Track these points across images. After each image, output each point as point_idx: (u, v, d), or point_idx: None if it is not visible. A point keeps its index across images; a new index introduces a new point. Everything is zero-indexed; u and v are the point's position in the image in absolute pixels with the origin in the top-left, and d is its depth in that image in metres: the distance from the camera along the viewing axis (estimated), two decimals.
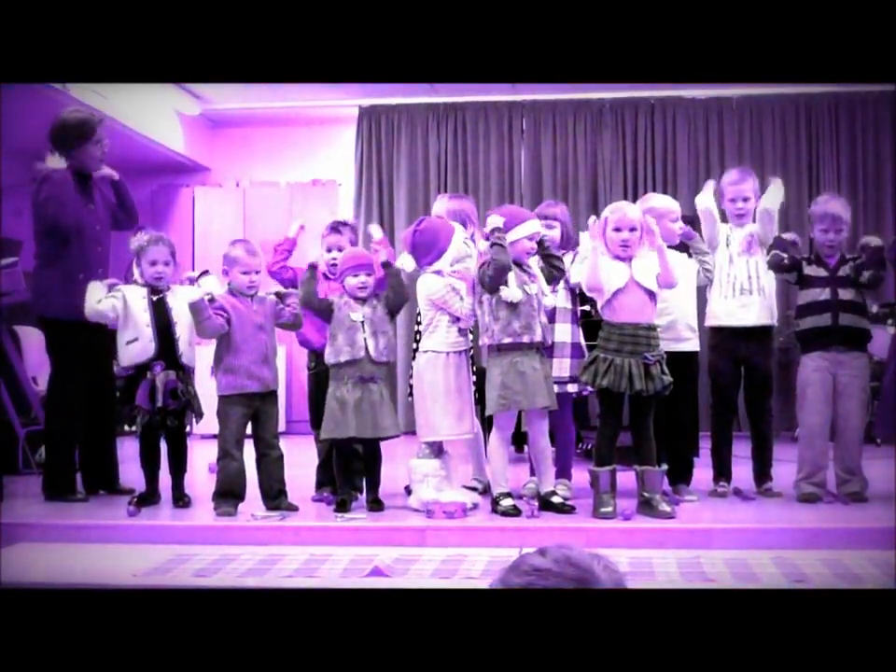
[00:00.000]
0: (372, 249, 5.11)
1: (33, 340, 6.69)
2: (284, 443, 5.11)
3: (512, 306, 4.66)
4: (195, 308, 4.75)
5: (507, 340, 4.67)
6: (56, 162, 5.18)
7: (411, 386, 5.14)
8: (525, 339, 4.67)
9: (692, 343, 5.22)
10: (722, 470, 5.28)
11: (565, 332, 5.05)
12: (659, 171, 9.01)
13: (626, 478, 4.83)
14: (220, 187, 9.58)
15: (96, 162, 5.34)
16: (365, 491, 4.98)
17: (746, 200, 5.27)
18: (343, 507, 4.80)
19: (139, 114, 7.95)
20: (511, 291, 4.63)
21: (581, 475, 5.11)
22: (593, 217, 4.88)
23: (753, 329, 5.20)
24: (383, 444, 4.98)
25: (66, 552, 4.36)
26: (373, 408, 4.78)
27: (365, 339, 4.80)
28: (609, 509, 4.64)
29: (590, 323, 5.39)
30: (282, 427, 6.24)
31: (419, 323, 5.14)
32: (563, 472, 5.16)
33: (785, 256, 5.03)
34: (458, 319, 4.90)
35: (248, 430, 4.97)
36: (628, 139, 9.06)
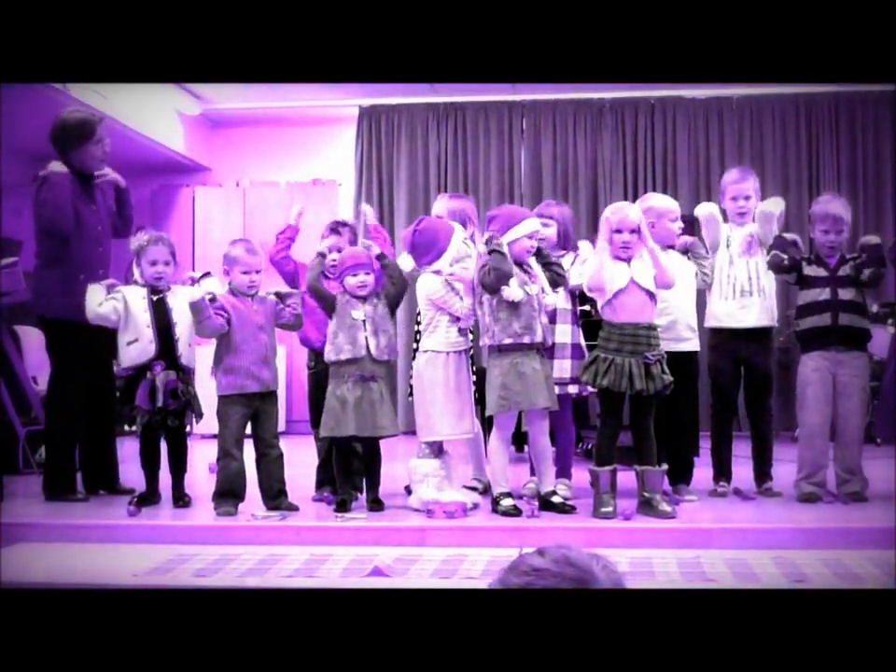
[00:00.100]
0: (369, 236, 5.13)
1: (33, 340, 6.69)
2: (284, 443, 5.11)
3: (513, 307, 4.66)
4: (196, 307, 4.75)
5: (507, 340, 4.67)
6: (60, 167, 5.18)
7: (411, 386, 5.14)
8: (526, 339, 4.67)
9: (692, 343, 5.23)
10: (722, 470, 5.28)
11: (565, 333, 5.05)
12: (659, 171, 9.01)
13: (626, 478, 4.83)
14: (220, 186, 9.58)
15: (97, 162, 5.34)
16: (365, 491, 4.98)
17: (747, 198, 5.27)
18: (343, 507, 4.80)
19: (139, 114, 7.95)
20: (512, 290, 4.63)
21: (581, 475, 5.11)
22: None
23: (753, 330, 5.20)
24: (382, 444, 4.98)
25: (66, 552, 4.36)
26: (373, 407, 4.78)
27: (366, 337, 4.80)
28: (610, 508, 4.64)
29: (590, 323, 5.39)
30: (282, 426, 6.25)
31: (419, 323, 5.14)
32: (563, 472, 5.16)
33: (785, 256, 5.03)
34: (458, 319, 4.91)
35: (248, 430, 4.97)
36: (628, 139, 9.06)
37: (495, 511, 4.76)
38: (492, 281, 4.61)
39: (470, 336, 5.06)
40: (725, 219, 5.33)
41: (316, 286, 4.84)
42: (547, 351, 4.85)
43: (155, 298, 5.03)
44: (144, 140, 8.26)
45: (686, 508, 4.91)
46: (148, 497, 5.09)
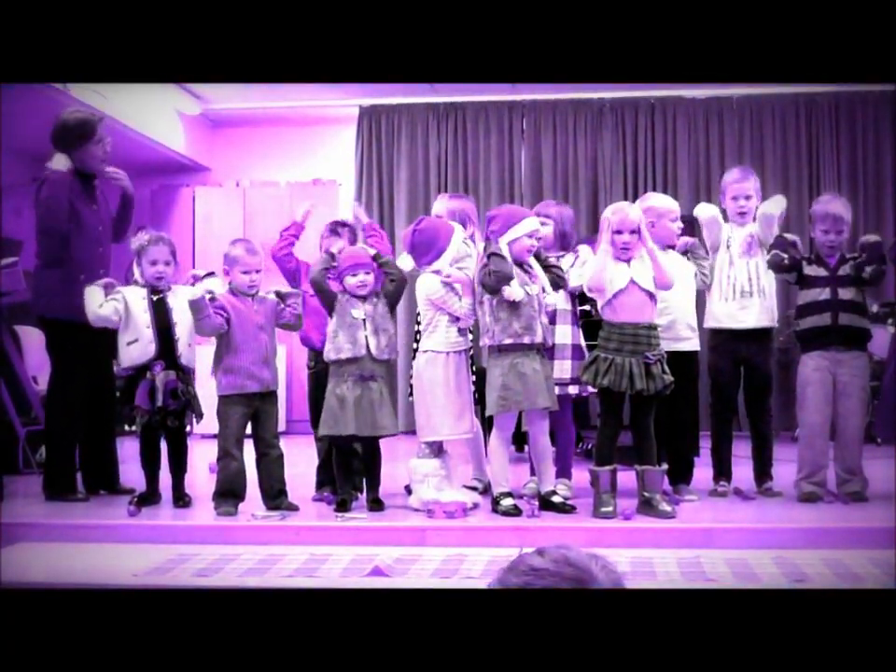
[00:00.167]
0: (366, 234, 5.13)
1: (33, 340, 6.69)
2: (284, 443, 5.11)
3: (513, 307, 4.66)
4: (196, 306, 4.75)
5: (508, 340, 4.67)
6: (61, 162, 5.17)
7: (411, 386, 5.14)
8: (526, 339, 4.67)
9: (692, 343, 5.23)
10: (723, 470, 5.28)
11: (565, 334, 5.05)
12: (659, 170, 9.01)
13: (627, 477, 4.83)
14: (220, 186, 9.58)
15: (98, 162, 5.34)
16: (365, 491, 4.98)
17: (748, 198, 5.27)
18: (343, 506, 4.80)
19: (139, 114, 7.95)
20: (513, 290, 4.63)
21: (581, 475, 5.11)
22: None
23: (753, 331, 5.20)
24: (382, 444, 4.98)
25: (67, 551, 4.36)
26: (372, 406, 4.78)
27: (366, 336, 4.80)
28: (610, 508, 4.64)
29: (590, 323, 5.39)
30: (282, 426, 6.25)
31: (419, 323, 5.14)
32: (563, 472, 5.16)
33: (785, 256, 5.04)
34: (458, 319, 4.91)
35: (248, 430, 4.97)
36: (628, 139, 9.06)
37: (495, 510, 4.76)
38: (493, 282, 4.62)
39: (470, 336, 5.06)
40: (725, 219, 5.33)
41: (320, 280, 4.84)
42: (547, 352, 4.85)
43: (155, 298, 5.04)
44: (144, 140, 8.26)
45: (686, 508, 4.91)
46: (149, 497, 5.09)
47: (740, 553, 4.21)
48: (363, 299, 4.85)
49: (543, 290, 4.80)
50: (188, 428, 5.26)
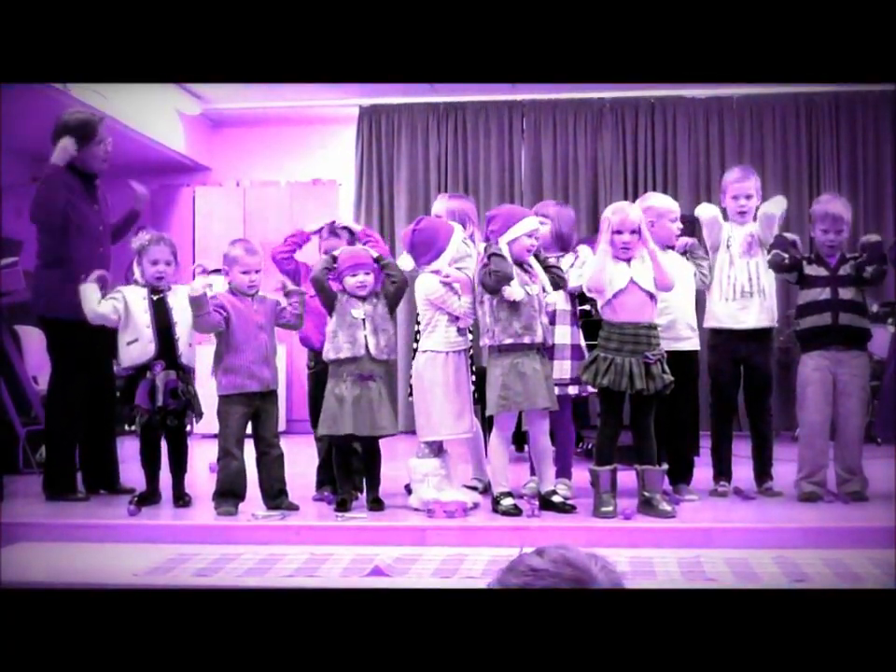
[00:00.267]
0: (361, 241, 5.13)
1: (33, 339, 6.70)
2: (284, 443, 5.11)
3: (513, 307, 4.66)
4: (197, 302, 4.74)
5: (508, 340, 4.67)
6: (60, 155, 5.14)
7: (411, 386, 5.14)
8: (526, 339, 4.67)
9: (692, 343, 5.23)
10: (723, 470, 5.28)
11: (564, 334, 5.05)
12: (659, 170, 9.01)
13: (627, 477, 4.83)
14: (221, 186, 9.57)
15: (99, 162, 5.35)
16: (365, 490, 4.98)
17: (748, 198, 5.27)
18: (343, 506, 4.80)
19: (140, 114, 7.95)
20: (513, 290, 4.63)
21: (581, 474, 5.11)
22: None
23: (753, 331, 5.20)
24: (382, 443, 4.98)
25: (67, 551, 4.36)
26: (371, 406, 4.78)
27: (366, 336, 4.80)
28: (610, 508, 4.64)
29: (590, 322, 5.39)
30: (282, 426, 6.24)
31: (419, 323, 5.14)
32: (563, 472, 5.16)
33: (786, 256, 5.04)
34: (457, 319, 4.91)
35: (249, 430, 4.97)
36: (628, 138, 9.06)
37: (495, 510, 4.76)
38: (493, 282, 4.62)
39: (470, 336, 5.06)
40: (725, 218, 5.33)
41: (321, 280, 4.84)
42: (547, 352, 4.85)
43: (155, 298, 5.04)
44: (144, 140, 8.25)
45: (686, 507, 4.91)
46: (149, 497, 5.09)
47: (740, 552, 4.21)
48: (363, 299, 4.85)
49: (543, 290, 4.80)
50: (188, 428, 5.26)
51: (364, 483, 5.00)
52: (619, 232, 4.70)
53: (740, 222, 5.27)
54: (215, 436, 5.05)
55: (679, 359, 4.98)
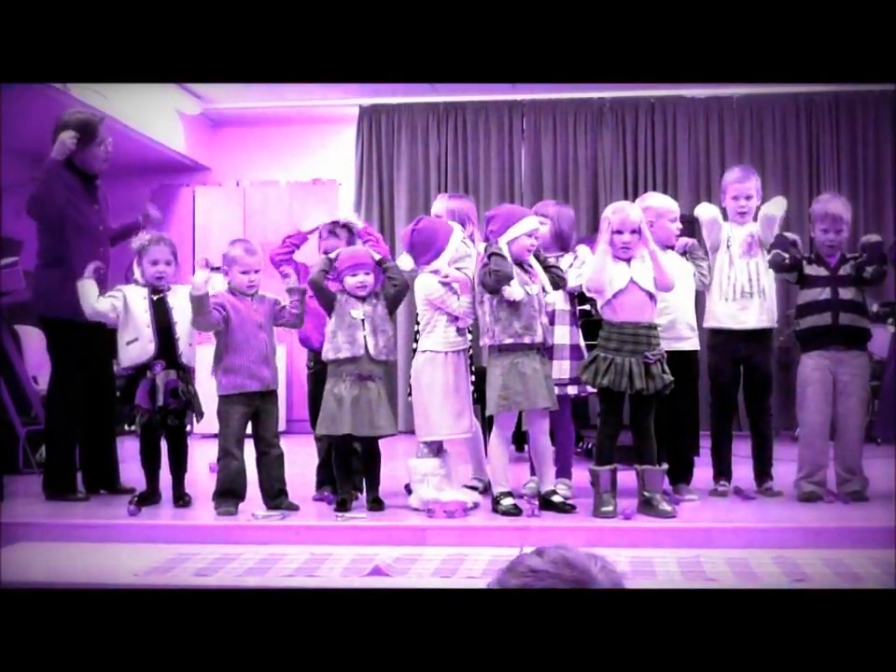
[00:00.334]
0: (362, 239, 5.13)
1: (33, 339, 6.70)
2: (284, 443, 5.11)
3: (514, 307, 4.66)
4: (199, 301, 4.73)
5: (508, 340, 4.67)
6: (59, 149, 5.13)
7: (411, 386, 5.14)
8: (527, 339, 4.67)
9: (692, 343, 5.23)
10: (723, 470, 5.28)
11: (563, 334, 5.05)
12: (659, 170, 9.01)
13: (627, 477, 4.83)
14: (221, 186, 9.58)
15: (100, 163, 5.35)
16: (365, 490, 4.98)
17: (748, 198, 5.27)
18: (343, 506, 4.80)
19: (140, 113, 7.95)
20: (513, 290, 4.63)
21: (581, 474, 5.11)
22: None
23: (753, 331, 5.20)
24: (382, 443, 4.98)
25: (67, 551, 4.36)
26: (370, 406, 4.78)
27: (365, 336, 4.80)
28: (610, 508, 4.64)
29: (590, 322, 5.39)
30: (282, 426, 6.24)
31: (419, 323, 5.14)
32: (563, 471, 5.16)
33: (786, 255, 5.04)
34: (456, 319, 4.91)
35: (249, 430, 4.97)
36: (628, 138, 9.06)
37: (495, 510, 4.76)
38: (493, 282, 4.62)
39: (469, 336, 5.06)
40: (725, 218, 5.33)
41: (318, 282, 4.84)
42: (546, 352, 4.85)
43: (155, 298, 5.03)
44: (144, 140, 8.25)
45: (686, 507, 4.91)
46: (149, 497, 5.09)
47: (740, 552, 4.21)
48: (362, 299, 4.85)
49: (543, 290, 4.80)
50: (188, 428, 5.26)
51: (364, 483, 5.00)
52: (619, 232, 4.70)
53: (740, 222, 5.27)
54: (215, 436, 5.05)
55: (679, 359, 4.97)
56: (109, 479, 5.46)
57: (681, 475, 5.18)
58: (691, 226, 5.92)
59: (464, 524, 4.62)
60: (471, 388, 5.08)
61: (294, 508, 4.88)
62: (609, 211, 4.82)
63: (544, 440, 4.85)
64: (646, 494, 4.70)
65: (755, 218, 5.25)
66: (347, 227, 5.29)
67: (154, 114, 8.37)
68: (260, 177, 9.53)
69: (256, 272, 4.94)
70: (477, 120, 9.21)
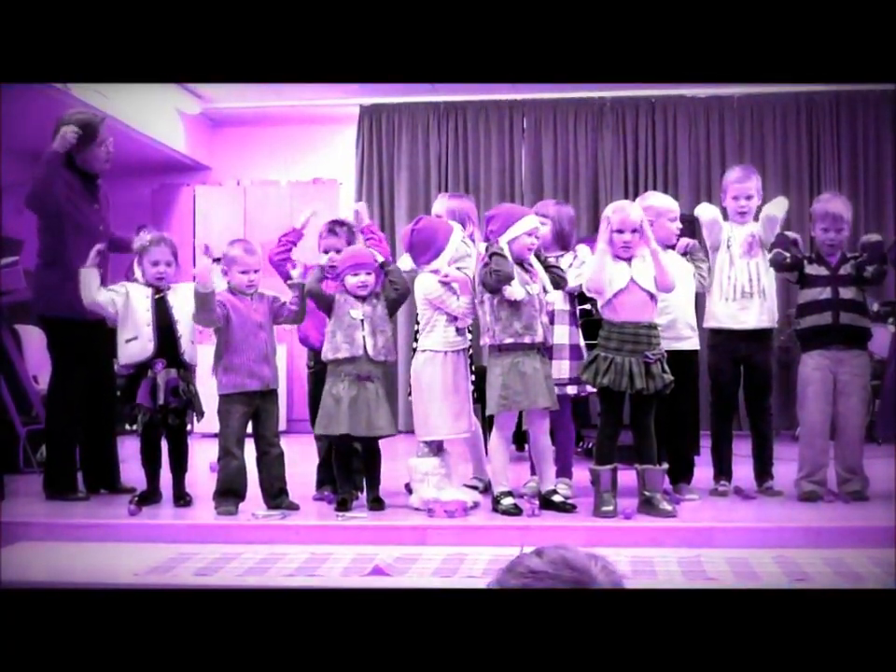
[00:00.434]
0: (364, 237, 5.13)
1: (34, 339, 6.70)
2: (284, 442, 5.11)
3: (514, 306, 4.66)
4: (206, 298, 4.73)
5: (508, 340, 4.67)
6: (59, 141, 5.13)
7: (411, 386, 5.14)
8: (527, 339, 4.67)
9: (692, 342, 5.23)
10: (723, 469, 5.28)
11: (563, 334, 5.05)
12: (660, 169, 9.01)
13: (627, 477, 4.83)
14: (221, 186, 9.58)
15: (101, 163, 5.35)
16: (365, 490, 4.98)
17: (749, 198, 5.27)
18: (343, 506, 4.80)
19: (140, 113, 7.95)
20: (514, 290, 4.63)
21: (581, 474, 5.11)
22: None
23: (753, 331, 5.20)
24: (382, 443, 4.98)
25: (67, 550, 4.36)
26: (368, 406, 4.78)
27: (364, 337, 4.80)
28: (610, 507, 4.64)
29: (590, 322, 5.39)
30: (283, 425, 6.25)
31: (419, 323, 5.14)
32: (563, 471, 5.16)
33: (787, 255, 5.04)
34: (456, 318, 4.90)
35: (249, 429, 4.97)
36: (629, 138, 9.06)
37: (495, 510, 4.76)
38: (493, 282, 4.62)
39: (469, 335, 5.06)
40: (725, 218, 5.33)
41: (316, 290, 4.85)
42: (546, 351, 4.84)
43: (157, 297, 5.03)
44: (145, 139, 8.25)
45: (687, 507, 4.91)
46: (149, 496, 5.09)
47: (741, 552, 4.21)
48: (362, 299, 4.85)
49: (544, 289, 4.80)
50: (188, 427, 5.26)
51: (364, 483, 5.00)
52: (620, 231, 4.69)
53: (740, 222, 5.27)
54: (215, 435, 5.06)
55: (679, 359, 4.98)
56: (110, 478, 5.46)
57: (682, 475, 5.18)
58: (691, 226, 5.91)
59: (464, 523, 4.62)
60: (471, 388, 5.08)
61: (294, 507, 4.89)
62: (610, 210, 4.82)
63: (544, 439, 4.85)
64: (646, 493, 4.70)
65: (756, 218, 5.25)
66: (347, 225, 5.29)
67: (154, 113, 8.37)
68: (261, 177, 9.53)
69: (255, 271, 4.94)
70: (477, 120, 9.21)
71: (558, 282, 4.86)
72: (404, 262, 5.11)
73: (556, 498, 4.79)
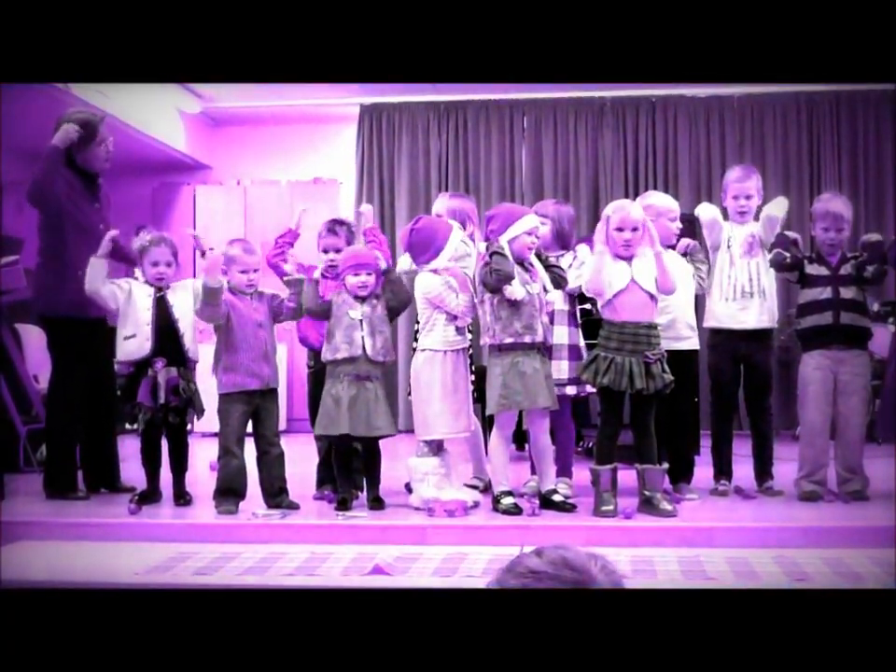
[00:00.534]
0: (366, 239, 5.13)
1: (34, 338, 6.70)
2: (285, 441, 5.12)
3: (514, 306, 4.66)
4: (215, 292, 4.73)
5: (508, 340, 4.67)
6: (61, 136, 5.12)
7: (411, 385, 5.14)
8: (527, 339, 4.68)
9: (692, 342, 5.23)
10: (723, 469, 5.28)
11: (562, 334, 5.05)
12: (660, 169, 9.01)
13: (627, 476, 4.83)
14: (221, 185, 9.58)
15: (101, 162, 5.35)
16: (366, 489, 4.98)
17: (748, 197, 5.27)
18: (343, 505, 4.80)
19: (140, 112, 7.95)
20: (514, 289, 4.63)
21: (581, 473, 5.11)
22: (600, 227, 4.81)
23: (753, 331, 5.20)
24: (382, 443, 4.98)
25: (67, 550, 4.36)
26: (368, 406, 4.78)
27: (363, 337, 4.80)
28: (611, 507, 4.64)
29: (590, 321, 5.39)
30: (283, 425, 6.25)
31: (419, 322, 5.14)
32: (563, 471, 5.16)
33: (788, 255, 5.04)
34: (455, 317, 4.90)
35: (249, 428, 4.97)
36: (629, 137, 9.06)
37: (495, 509, 4.76)
38: (494, 281, 4.62)
39: (469, 335, 5.06)
40: (726, 217, 5.33)
41: (315, 309, 4.86)
42: (545, 351, 4.84)
43: (157, 295, 5.03)
44: (145, 138, 8.25)
45: (687, 506, 4.91)
46: (149, 496, 5.09)
47: (741, 551, 4.21)
48: (361, 300, 4.85)
49: (544, 289, 4.80)
50: (188, 426, 5.26)
51: (364, 482, 5.00)
52: (620, 230, 4.69)
53: (740, 222, 5.27)
54: (215, 434, 5.06)
55: (679, 359, 4.98)
56: (110, 477, 5.46)
57: (682, 474, 5.18)
58: (691, 225, 5.91)
59: (464, 523, 4.62)
60: (471, 387, 5.08)
61: (295, 507, 4.89)
62: (610, 209, 4.82)
63: (544, 439, 4.85)
64: (646, 493, 4.70)
65: (756, 218, 5.25)
66: (347, 225, 5.30)
67: (155, 113, 8.37)
68: (261, 176, 9.53)
69: (255, 271, 4.95)
70: (478, 119, 9.21)
71: (559, 281, 4.86)
72: (403, 262, 5.10)
73: (556, 498, 4.79)
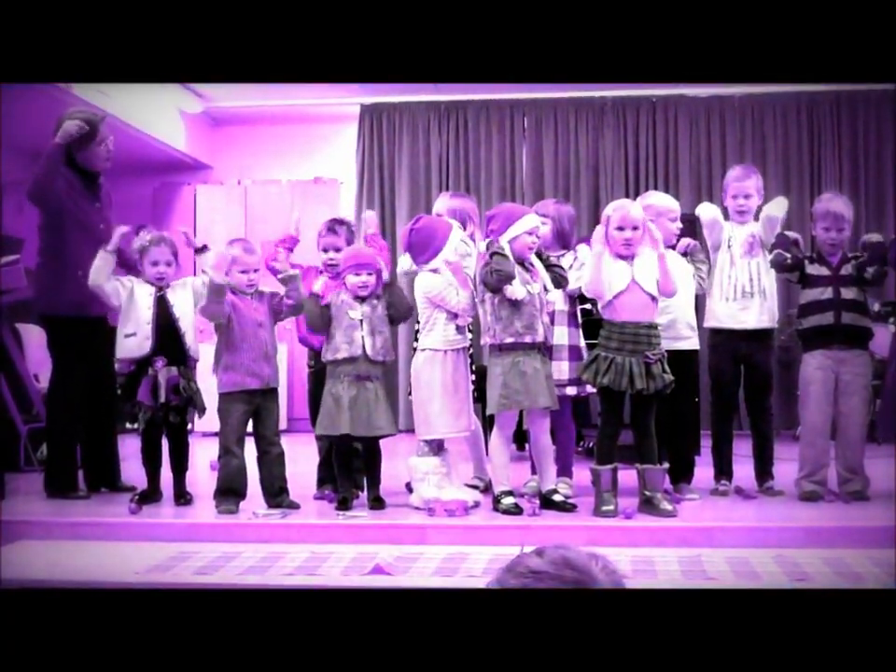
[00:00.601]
0: (367, 245, 5.13)
1: (34, 337, 6.71)
2: (285, 441, 5.12)
3: (515, 306, 4.66)
4: (220, 289, 4.73)
5: (509, 339, 4.67)
6: (67, 128, 5.12)
7: (411, 384, 5.14)
8: (528, 338, 4.68)
9: (692, 342, 5.23)
10: (724, 469, 5.28)
11: (562, 335, 5.05)
12: (661, 169, 9.02)
13: (628, 476, 4.83)
14: (222, 185, 9.58)
15: (102, 161, 5.35)
16: (366, 489, 4.98)
17: (748, 197, 5.27)
18: (344, 505, 4.81)
19: (141, 112, 7.95)
20: (515, 289, 4.63)
21: (582, 473, 5.12)
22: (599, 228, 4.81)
23: (754, 331, 5.20)
24: (383, 442, 4.98)
25: (68, 549, 4.36)
26: (368, 406, 4.78)
27: (363, 337, 4.80)
28: (611, 507, 4.64)
29: (591, 321, 5.39)
30: (283, 424, 6.25)
31: (419, 322, 5.14)
32: (564, 471, 5.16)
33: (788, 255, 5.04)
34: (455, 316, 4.90)
35: (249, 428, 4.97)
36: (630, 137, 9.07)
37: (496, 509, 4.76)
38: (494, 281, 4.62)
39: (470, 335, 5.06)
40: (727, 217, 5.33)
41: (315, 322, 4.86)
42: (546, 351, 4.84)
43: (158, 294, 5.03)
44: (146, 138, 8.26)
45: (687, 506, 4.91)
46: (150, 495, 5.09)
47: (741, 551, 4.21)
48: (361, 300, 4.85)
49: (545, 289, 4.80)
50: (189, 426, 5.27)
51: (365, 482, 5.00)
52: (620, 229, 4.69)
53: (740, 221, 5.27)
54: (215, 434, 5.06)
55: (680, 359, 4.98)
56: (110, 477, 5.46)
57: (682, 474, 5.18)
58: (691, 225, 5.91)
59: (465, 522, 4.62)
60: (472, 387, 5.08)
61: (295, 506, 4.89)
62: (610, 209, 4.82)
63: (545, 438, 4.85)
64: (647, 493, 4.70)
65: (756, 218, 5.25)
66: (347, 224, 5.30)
67: (156, 112, 8.37)
68: (262, 176, 9.53)
69: (255, 271, 4.95)
70: (478, 119, 9.21)
71: (560, 281, 4.86)
72: (403, 262, 5.11)
73: (557, 498, 4.79)
